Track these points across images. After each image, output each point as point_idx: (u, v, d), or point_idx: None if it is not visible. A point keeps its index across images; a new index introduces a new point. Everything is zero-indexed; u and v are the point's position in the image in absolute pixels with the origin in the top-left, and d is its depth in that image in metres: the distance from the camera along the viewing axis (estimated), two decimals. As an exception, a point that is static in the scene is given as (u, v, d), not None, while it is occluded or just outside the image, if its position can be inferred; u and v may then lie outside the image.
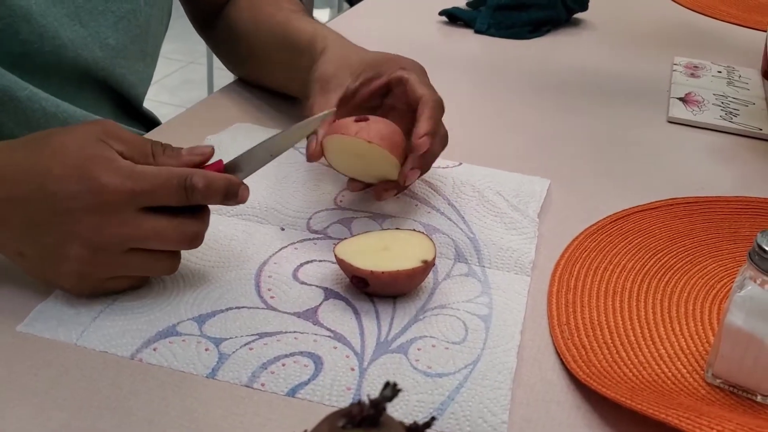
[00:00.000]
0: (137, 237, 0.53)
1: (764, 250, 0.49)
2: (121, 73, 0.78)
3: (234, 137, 0.78)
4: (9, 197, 0.52)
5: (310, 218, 0.68)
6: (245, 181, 0.57)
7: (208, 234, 0.58)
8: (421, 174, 0.67)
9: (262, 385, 0.51)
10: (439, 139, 0.67)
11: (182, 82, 3.13)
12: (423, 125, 0.64)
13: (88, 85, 0.76)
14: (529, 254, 0.65)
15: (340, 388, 0.51)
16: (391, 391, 0.32)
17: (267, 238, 0.65)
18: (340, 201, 0.70)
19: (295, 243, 0.65)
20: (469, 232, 0.67)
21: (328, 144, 0.64)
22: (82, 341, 0.53)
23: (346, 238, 0.62)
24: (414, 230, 0.64)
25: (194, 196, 0.54)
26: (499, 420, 0.50)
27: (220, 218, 0.66)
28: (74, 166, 0.52)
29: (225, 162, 0.58)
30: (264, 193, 0.69)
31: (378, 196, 0.66)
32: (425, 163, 0.67)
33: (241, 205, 0.58)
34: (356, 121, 0.64)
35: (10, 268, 0.56)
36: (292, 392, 0.50)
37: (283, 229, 0.66)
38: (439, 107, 0.67)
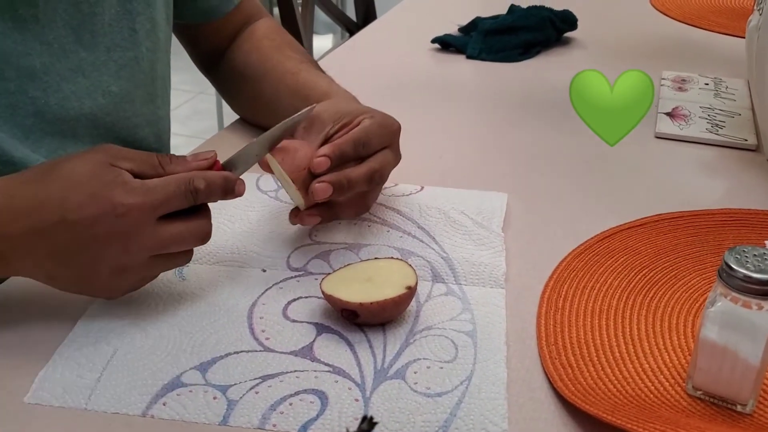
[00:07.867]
0: (159, 246, 0.58)
1: (731, 268, 0.52)
2: (127, 116, 0.81)
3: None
4: (31, 229, 0.56)
5: (288, 257, 0.70)
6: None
7: (195, 283, 0.66)
8: (361, 206, 0.71)
9: (274, 425, 0.53)
10: (368, 170, 0.68)
11: (193, 112, 3.18)
12: (325, 147, 0.67)
13: (100, 141, 0.79)
14: (500, 267, 0.69)
15: (348, 420, 0.54)
16: (368, 425, 0.35)
17: (251, 281, 0.67)
18: (315, 236, 0.73)
19: (278, 283, 0.67)
20: (442, 251, 0.71)
21: (270, 161, 0.68)
22: (91, 405, 0.54)
23: (328, 274, 0.65)
24: (392, 258, 0.68)
25: (199, 196, 0.59)
26: (500, 429, 0.53)
27: (203, 267, 0.69)
28: (91, 194, 0.55)
29: (222, 162, 0.63)
30: (242, 237, 0.72)
31: (292, 219, 0.68)
32: (342, 183, 0.66)
33: (221, 251, 0.64)
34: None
35: (7, 338, 0.59)
36: (304, 429, 0.53)
37: (264, 271, 0.69)
38: (366, 135, 0.69)
